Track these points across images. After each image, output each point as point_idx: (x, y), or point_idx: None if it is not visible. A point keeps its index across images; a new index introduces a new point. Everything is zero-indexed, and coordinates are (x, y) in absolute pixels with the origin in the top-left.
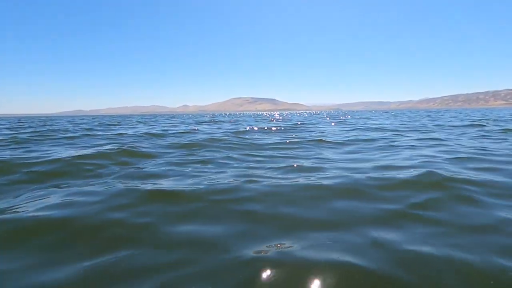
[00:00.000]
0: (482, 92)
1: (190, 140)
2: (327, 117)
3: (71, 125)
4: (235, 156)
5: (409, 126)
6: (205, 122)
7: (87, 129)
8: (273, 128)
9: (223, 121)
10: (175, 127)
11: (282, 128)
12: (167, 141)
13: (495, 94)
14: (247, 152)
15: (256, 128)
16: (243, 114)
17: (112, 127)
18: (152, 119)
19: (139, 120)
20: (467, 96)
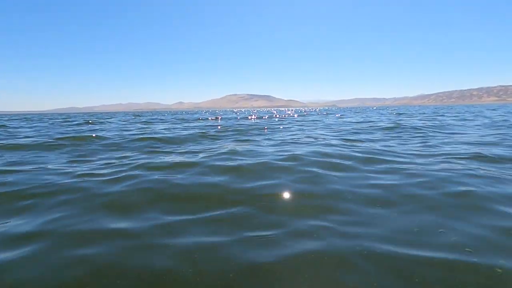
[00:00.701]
0: (476, 89)
1: None
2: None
3: None
4: None
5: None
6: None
7: None
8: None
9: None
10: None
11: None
12: None
13: (489, 91)
14: None
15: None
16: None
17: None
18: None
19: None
20: (461, 92)
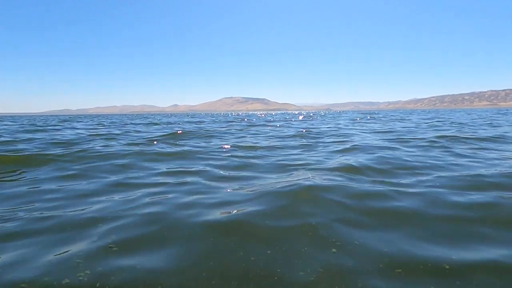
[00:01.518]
0: (468, 93)
1: None
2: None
3: None
4: None
5: None
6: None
7: None
8: None
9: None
10: None
11: None
12: None
13: (480, 95)
14: None
15: None
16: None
17: None
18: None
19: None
20: (453, 97)
